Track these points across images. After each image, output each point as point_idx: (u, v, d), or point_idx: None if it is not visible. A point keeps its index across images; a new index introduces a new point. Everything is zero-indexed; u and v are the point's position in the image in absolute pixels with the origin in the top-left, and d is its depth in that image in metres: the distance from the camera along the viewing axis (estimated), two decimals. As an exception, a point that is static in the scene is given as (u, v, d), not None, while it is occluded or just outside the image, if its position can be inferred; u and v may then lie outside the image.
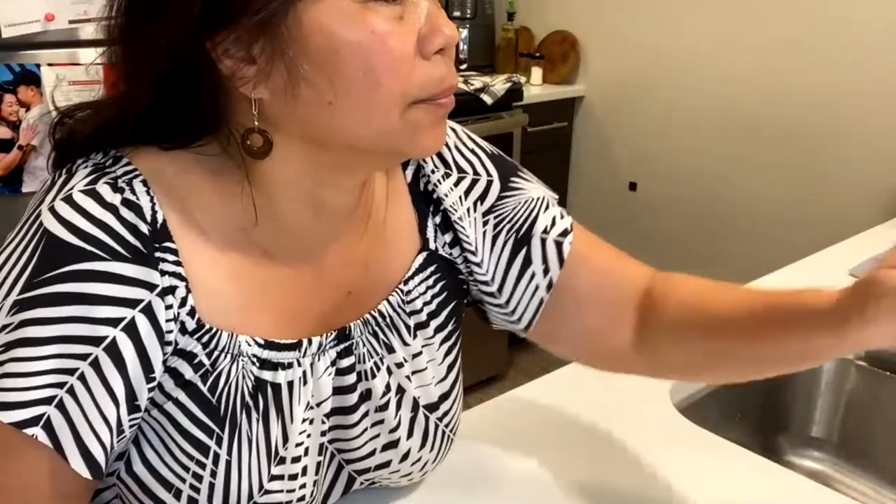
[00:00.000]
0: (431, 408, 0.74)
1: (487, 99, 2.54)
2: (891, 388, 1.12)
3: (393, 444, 0.72)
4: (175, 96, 0.59)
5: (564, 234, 0.76)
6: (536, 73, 2.99)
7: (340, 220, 0.67)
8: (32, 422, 0.55)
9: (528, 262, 0.75)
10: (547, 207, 0.77)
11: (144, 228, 0.59)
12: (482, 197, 0.75)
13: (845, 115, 2.35)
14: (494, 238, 0.75)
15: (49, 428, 0.56)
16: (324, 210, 0.65)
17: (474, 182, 0.75)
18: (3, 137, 1.67)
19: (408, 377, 0.72)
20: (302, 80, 0.56)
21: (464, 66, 2.95)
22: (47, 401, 0.56)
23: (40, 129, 1.69)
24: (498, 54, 3.11)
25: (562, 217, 0.77)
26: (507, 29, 3.08)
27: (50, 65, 1.68)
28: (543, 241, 0.75)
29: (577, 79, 3.01)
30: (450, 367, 0.75)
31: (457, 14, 3.00)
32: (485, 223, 0.75)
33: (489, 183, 0.75)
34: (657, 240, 2.86)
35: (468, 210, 0.74)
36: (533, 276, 0.75)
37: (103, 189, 0.59)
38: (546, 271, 0.75)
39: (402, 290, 0.71)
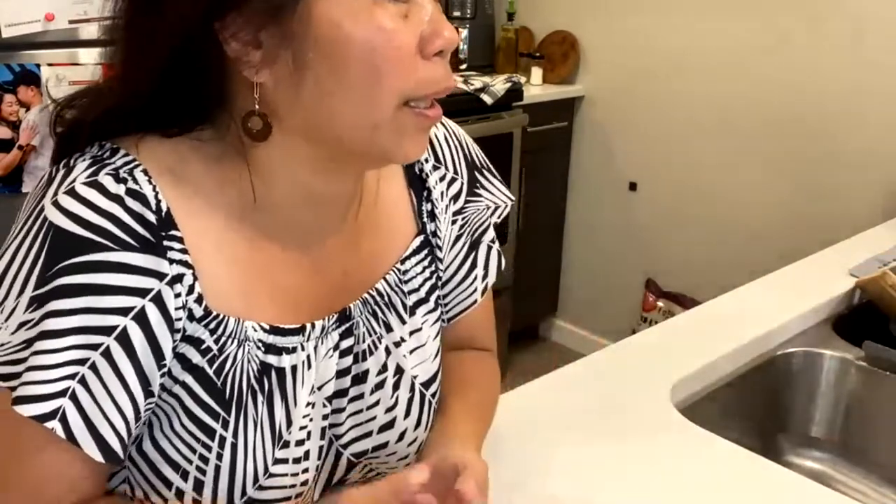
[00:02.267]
0: (427, 384, 0.75)
1: (487, 99, 2.54)
2: (891, 388, 1.11)
3: (389, 425, 0.73)
4: (177, 81, 0.59)
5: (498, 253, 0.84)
6: (536, 73, 2.99)
7: (336, 206, 0.69)
8: (51, 415, 0.57)
9: (474, 265, 0.80)
10: (495, 216, 0.83)
11: (151, 217, 0.59)
12: (455, 197, 0.78)
13: (846, 115, 2.35)
14: (457, 239, 0.78)
15: (64, 419, 0.57)
16: (319, 197, 0.66)
17: (453, 180, 0.78)
18: (3, 137, 1.67)
19: (405, 356, 0.73)
20: (306, 68, 0.57)
21: (464, 66, 2.94)
22: (63, 392, 0.57)
23: (40, 129, 1.69)
24: (498, 54, 3.10)
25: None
26: (507, 29, 3.07)
27: (50, 65, 1.68)
28: (489, 249, 0.80)
29: (577, 79, 3.00)
30: (439, 346, 0.78)
31: (457, 14, 3.00)
32: (453, 222, 0.78)
33: (461, 185, 0.79)
34: (657, 240, 2.86)
35: (446, 207, 0.77)
36: (474, 279, 0.80)
37: (106, 180, 0.59)
38: (484, 277, 0.81)
39: (398, 270, 0.73)
